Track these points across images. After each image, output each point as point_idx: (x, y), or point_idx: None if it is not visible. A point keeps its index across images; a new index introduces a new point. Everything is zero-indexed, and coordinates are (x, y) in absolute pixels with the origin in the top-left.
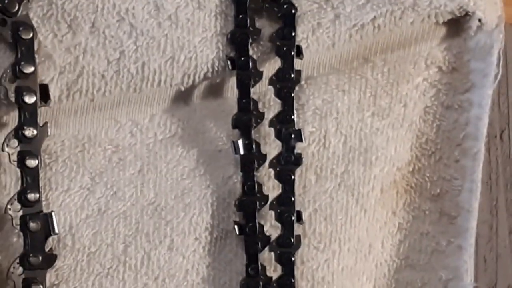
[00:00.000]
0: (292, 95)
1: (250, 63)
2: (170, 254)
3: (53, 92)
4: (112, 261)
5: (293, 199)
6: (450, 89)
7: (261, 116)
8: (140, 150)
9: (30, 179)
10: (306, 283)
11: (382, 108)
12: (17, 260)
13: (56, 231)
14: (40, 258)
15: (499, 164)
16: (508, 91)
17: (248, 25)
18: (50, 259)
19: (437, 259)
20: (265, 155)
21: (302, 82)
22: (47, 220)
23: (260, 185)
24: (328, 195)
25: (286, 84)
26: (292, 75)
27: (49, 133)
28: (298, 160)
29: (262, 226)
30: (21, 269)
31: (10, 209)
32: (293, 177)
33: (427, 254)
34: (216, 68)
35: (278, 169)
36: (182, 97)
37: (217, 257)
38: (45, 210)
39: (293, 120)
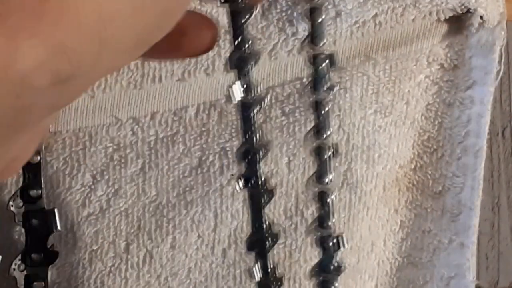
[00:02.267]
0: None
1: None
2: (172, 252)
3: None
4: (114, 259)
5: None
6: (452, 86)
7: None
8: (141, 148)
9: (32, 175)
10: (309, 281)
11: (385, 105)
12: (19, 257)
13: (59, 227)
14: (42, 254)
15: (501, 162)
16: (510, 88)
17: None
18: (52, 256)
19: (439, 257)
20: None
21: (304, 80)
22: (49, 217)
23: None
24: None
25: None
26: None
27: (50, 130)
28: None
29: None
30: (23, 265)
31: (12, 206)
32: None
33: (429, 252)
34: (217, 65)
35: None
36: (183, 93)
37: (220, 256)
38: (46, 208)
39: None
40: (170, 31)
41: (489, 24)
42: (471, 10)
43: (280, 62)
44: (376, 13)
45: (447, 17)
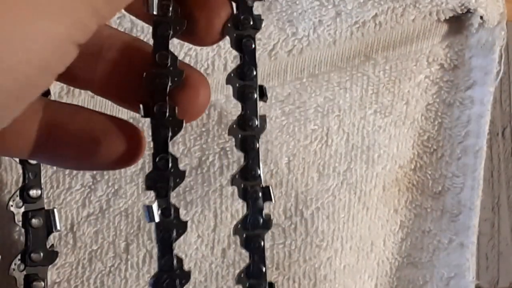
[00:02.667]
0: (257, 145)
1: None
2: None
3: (53, 88)
4: (114, 259)
5: (264, 270)
6: (452, 86)
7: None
8: None
9: (32, 175)
10: (309, 281)
11: (385, 105)
12: (19, 257)
13: (58, 227)
14: (42, 254)
15: (501, 162)
16: (510, 88)
17: (169, 64)
18: (52, 256)
19: (439, 257)
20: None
21: (304, 80)
22: (49, 217)
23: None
24: (331, 193)
25: (249, 132)
26: (257, 122)
27: None
28: (267, 223)
29: None
30: (22, 265)
31: (12, 206)
32: (262, 243)
33: (429, 252)
34: (216, 65)
35: (244, 235)
36: None
37: (219, 256)
38: (46, 208)
39: (259, 176)
40: (81, 137)
41: (489, 24)
42: (471, 10)
43: (280, 62)
44: (376, 13)
45: (447, 17)
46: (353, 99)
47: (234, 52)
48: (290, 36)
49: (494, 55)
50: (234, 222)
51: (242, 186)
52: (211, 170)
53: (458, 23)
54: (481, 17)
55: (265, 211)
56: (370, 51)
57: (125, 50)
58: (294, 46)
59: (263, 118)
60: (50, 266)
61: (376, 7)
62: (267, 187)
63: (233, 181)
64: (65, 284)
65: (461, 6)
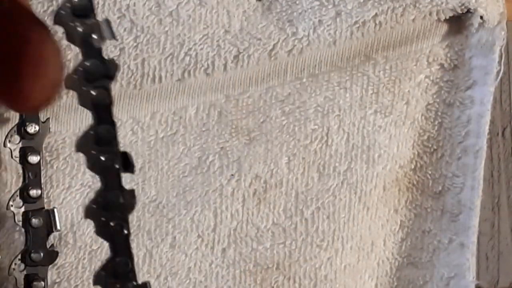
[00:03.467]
0: (125, 231)
1: None
2: (172, 251)
3: None
4: None
5: None
6: (452, 86)
7: None
8: (141, 148)
9: (32, 175)
10: (309, 281)
11: (385, 105)
12: (19, 257)
13: (58, 227)
14: (42, 254)
15: (501, 162)
16: (510, 88)
17: None
18: (52, 256)
19: (439, 257)
20: None
21: (304, 80)
22: (49, 216)
23: None
24: (331, 193)
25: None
26: (122, 200)
27: (50, 129)
28: None
29: None
30: (22, 265)
31: (12, 206)
32: None
33: (429, 252)
34: (216, 65)
35: None
36: (183, 93)
37: (220, 256)
38: (46, 208)
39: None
40: None
41: (489, 24)
42: (471, 10)
43: (280, 62)
44: (376, 13)
45: (447, 17)
46: (353, 99)
47: (234, 52)
48: (290, 36)
49: (494, 55)
50: (234, 222)
51: None
52: (211, 170)
53: (458, 23)
54: (481, 17)
55: None
56: (370, 51)
57: None
58: (294, 46)
59: (132, 194)
60: (50, 266)
61: (376, 7)
62: None
63: None
64: (65, 284)
65: (461, 6)
